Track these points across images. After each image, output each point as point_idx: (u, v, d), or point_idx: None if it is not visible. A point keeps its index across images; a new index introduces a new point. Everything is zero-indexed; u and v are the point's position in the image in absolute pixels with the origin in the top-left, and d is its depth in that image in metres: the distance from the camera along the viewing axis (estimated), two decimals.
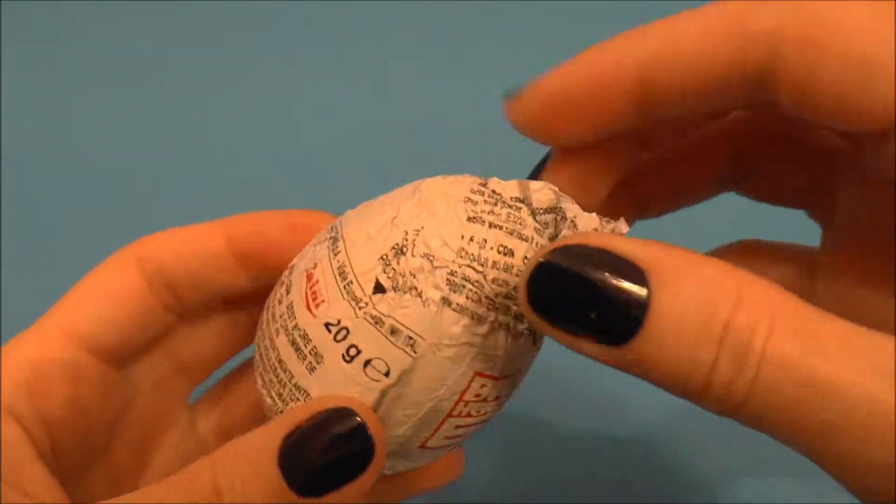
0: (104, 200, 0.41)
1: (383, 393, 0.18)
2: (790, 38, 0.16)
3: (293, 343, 0.19)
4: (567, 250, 0.16)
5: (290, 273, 0.20)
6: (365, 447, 0.17)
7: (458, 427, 0.19)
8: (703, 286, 0.15)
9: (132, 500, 0.17)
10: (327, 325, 0.18)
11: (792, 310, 0.15)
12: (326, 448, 0.17)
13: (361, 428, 0.17)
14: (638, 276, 0.15)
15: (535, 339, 0.19)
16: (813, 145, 0.21)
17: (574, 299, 0.16)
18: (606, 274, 0.15)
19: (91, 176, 0.41)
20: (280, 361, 0.19)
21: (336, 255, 0.19)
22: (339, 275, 0.18)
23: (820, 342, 0.14)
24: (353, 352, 0.18)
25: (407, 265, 0.18)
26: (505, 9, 0.48)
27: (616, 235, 0.16)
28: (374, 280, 0.18)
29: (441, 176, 0.19)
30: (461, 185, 0.19)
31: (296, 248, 0.21)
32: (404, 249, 0.18)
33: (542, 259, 0.16)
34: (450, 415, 0.19)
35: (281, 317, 0.19)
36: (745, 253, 0.23)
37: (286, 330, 0.19)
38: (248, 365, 0.26)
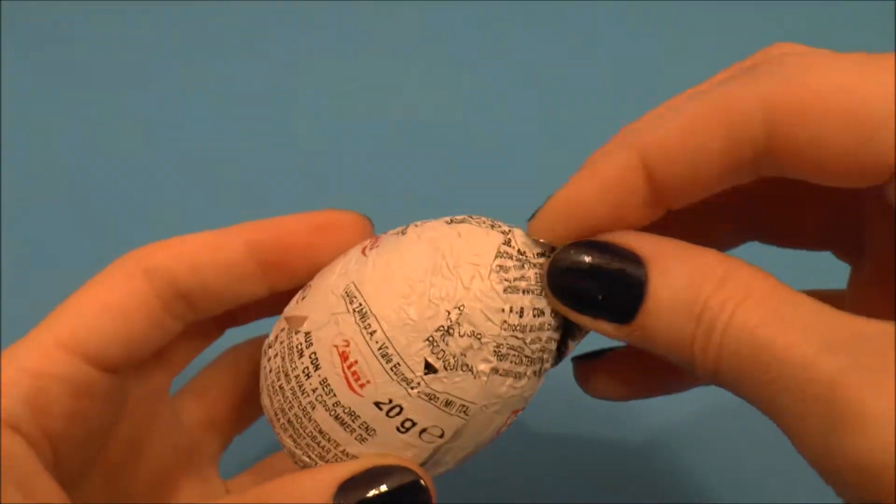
0: (104, 201, 0.40)
1: (437, 449, 0.19)
2: (781, 112, 0.17)
3: (337, 418, 0.19)
4: (577, 244, 0.19)
5: (308, 343, 0.20)
6: (420, 501, 0.19)
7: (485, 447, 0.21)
8: (693, 269, 0.17)
9: None
10: (377, 403, 0.19)
11: (767, 287, 0.17)
12: (383, 500, 0.18)
13: (416, 483, 0.19)
14: (637, 262, 0.18)
15: (555, 364, 0.21)
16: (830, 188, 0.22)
17: (584, 285, 0.18)
18: (609, 260, 0.18)
19: (91, 176, 0.41)
20: (321, 433, 0.20)
21: (372, 334, 0.19)
22: (383, 356, 0.19)
23: (781, 314, 0.16)
24: (408, 424, 0.19)
25: (456, 345, 0.19)
26: (506, 9, 0.47)
27: (621, 231, 0.19)
28: (423, 361, 0.19)
29: (453, 226, 0.20)
30: (485, 246, 0.19)
31: (323, 250, 0.21)
32: (451, 331, 0.19)
33: (558, 255, 0.19)
34: (486, 445, 0.21)
35: (314, 391, 0.19)
36: None
37: (325, 406, 0.19)
38: (228, 359, 0.26)
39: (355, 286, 0.19)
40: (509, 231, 0.20)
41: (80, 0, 0.48)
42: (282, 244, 0.21)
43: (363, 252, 0.20)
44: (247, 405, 0.26)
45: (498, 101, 0.43)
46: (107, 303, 0.20)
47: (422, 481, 0.19)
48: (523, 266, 0.19)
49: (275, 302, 0.22)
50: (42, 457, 0.19)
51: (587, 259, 0.18)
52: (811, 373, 0.15)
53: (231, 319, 0.25)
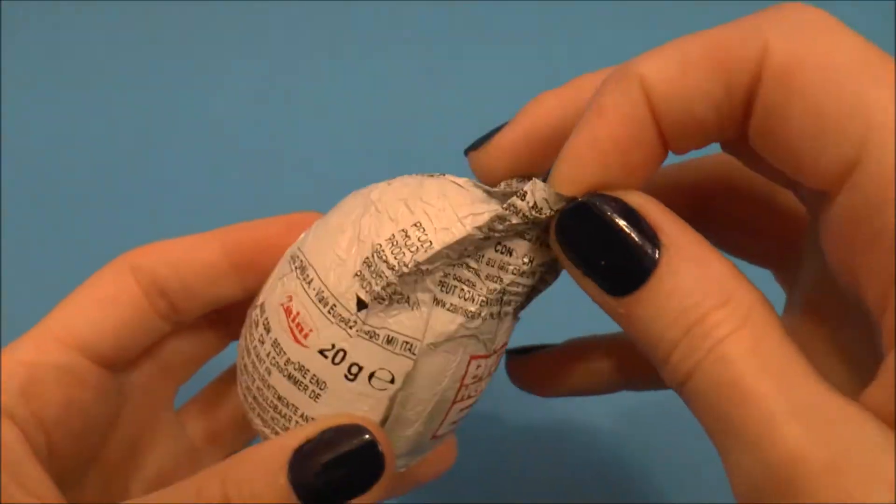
0: (105, 201, 0.41)
1: (392, 399, 0.18)
2: (772, 67, 0.16)
3: (290, 377, 0.19)
4: (605, 198, 0.17)
5: (263, 311, 0.20)
6: (375, 463, 0.18)
7: (461, 410, 0.20)
8: (703, 277, 0.16)
9: None
10: (322, 351, 0.18)
11: (764, 323, 0.16)
12: (336, 463, 0.17)
13: (372, 444, 0.18)
14: (655, 244, 0.16)
15: (517, 312, 0.20)
16: (780, 207, 0.21)
17: (593, 241, 0.17)
18: (629, 229, 0.16)
19: (91, 177, 0.41)
20: (279, 398, 0.19)
21: (309, 283, 0.19)
22: (319, 301, 0.18)
23: (767, 360, 0.15)
24: (354, 369, 0.18)
25: (389, 276, 0.18)
26: (507, 9, 0.47)
27: (655, 202, 0.17)
28: (354, 297, 0.18)
29: (385, 182, 0.20)
30: (440, 191, 0.19)
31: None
32: (380, 262, 0.18)
33: (582, 199, 0.17)
34: (454, 401, 0.19)
35: (268, 356, 0.19)
36: None
37: (278, 367, 0.19)
38: (233, 372, 0.26)
39: (298, 248, 0.20)
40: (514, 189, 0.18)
41: (80, 0, 0.48)
42: (253, 244, 0.22)
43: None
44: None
45: (499, 101, 0.43)
46: (98, 297, 0.21)
47: (377, 442, 0.18)
48: (489, 203, 0.18)
49: None
50: (35, 444, 0.20)
51: (611, 216, 0.17)
52: (768, 431, 0.14)
53: (235, 332, 0.25)
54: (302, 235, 0.21)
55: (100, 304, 0.21)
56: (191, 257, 0.22)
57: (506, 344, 0.20)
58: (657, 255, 0.16)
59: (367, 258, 0.18)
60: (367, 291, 0.18)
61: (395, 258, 0.18)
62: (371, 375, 0.18)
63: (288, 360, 0.19)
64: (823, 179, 0.16)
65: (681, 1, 0.47)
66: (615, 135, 0.17)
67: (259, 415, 0.20)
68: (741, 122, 0.17)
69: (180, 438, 0.25)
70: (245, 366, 0.20)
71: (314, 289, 0.18)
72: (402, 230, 0.18)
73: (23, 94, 0.44)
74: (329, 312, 0.18)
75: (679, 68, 0.16)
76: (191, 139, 0.43)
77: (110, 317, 0.21)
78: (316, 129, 0.43)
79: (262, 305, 0.20)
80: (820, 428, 0.14)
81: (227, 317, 0.24)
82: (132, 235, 0.39)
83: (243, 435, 0.26)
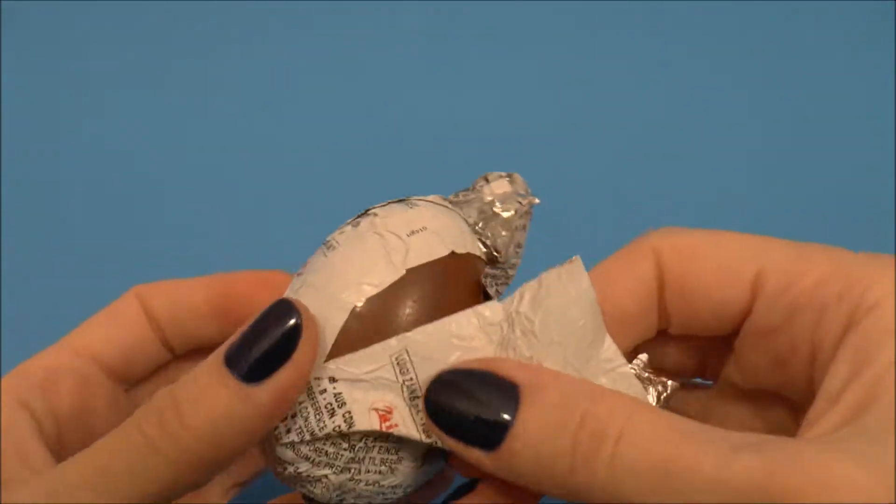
0: (105, 201, 0.41)
1: None
2: (666, 251, 0.21)
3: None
4: (456, 371, 0.19)
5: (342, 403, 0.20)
6: (293, 325, 0.19)
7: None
8: (565, 390, 0.18)
9: (103, 441, 0.19)
10: None
11: (647, 408, 0.18)
12: (261, 333, 0.19)
13: (288, 308, 0.19)
14: (511, 387, 0.18)
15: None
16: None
17: (459, 404, 0.19)
18: (487, 378, 0.19)
19: (91, 176, 0.41)
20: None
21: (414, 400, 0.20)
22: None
23: (673, 427, 0.17)
24: None
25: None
26: (508, 10, 0.47)
27: (498, 358, 0.20)
28: None
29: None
30: None
31: (264, 302, 0.22)
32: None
33: (439, 374, 0.19)
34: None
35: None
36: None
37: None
38: None
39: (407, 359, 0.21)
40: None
41: (80, 0, 0.48)
42: (229, 294, 0.24)
43: None
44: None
45: (500, 101, 0.43)
46: (110, 320, 0.25)
47: (293, 304, 0.19)
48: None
49: None
50: (48, 435, 0.22)
51: (466, 377, 0.19)
52: (726, 476, 0.16)
53: None
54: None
55: (112, 326, 0.24)
56: (182, 299, 0.25)
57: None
58: (516, 390, 0.18)
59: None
60: None
61: None
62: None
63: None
64: (725, 325, 0.21)
65: (681, 1, 0.47)
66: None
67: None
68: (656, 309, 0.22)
69: None
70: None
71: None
72: None
73: (23, 94, 0.44)
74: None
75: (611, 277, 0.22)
76: (190, 139, 0.43)
77: (120, 336, 0.24)
78: (317, 131, 0.43)
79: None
80: (758, 448, 0.16)
81: None
82: (133, 235, 0.40)
83: (253, 468, 0.27)
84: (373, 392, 0.20)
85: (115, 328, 0.24)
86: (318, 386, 0.20)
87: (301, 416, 0.20)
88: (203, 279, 0.25)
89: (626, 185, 0.40)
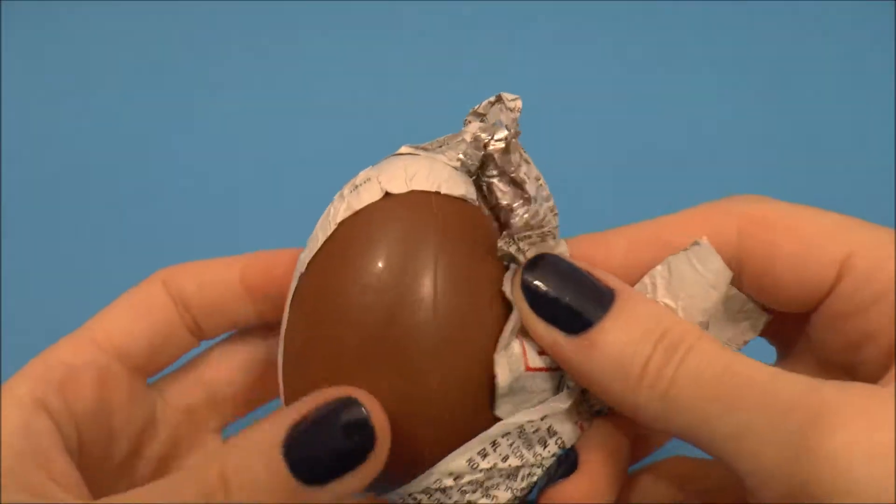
0: (105, 202, 0.41)
1: None
2: (747, 222, 0.21)
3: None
4: (557, 256, 0.21)
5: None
6: (367, 437, 0.18)
7: None
8: (653, 309, 0.20)
9: (141, 494, 0.18)
10: None
11: (707, 335, 0.19)
12: (330, 437, 0.18)
13: (364, 419, 0.18)
14: (608, 290, 0.20)
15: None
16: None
17: (555, 285, 0.20)
18: (586, 271, 0.20)
19: (91, 176, 0.41)
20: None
21: None
22: None
23: (734, 352, 0.18)
24: None
25: None
26: (509, 10, 0.48)
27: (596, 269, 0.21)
28: None
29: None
30: None
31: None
32: None
33: (540, 254, 0.21)
34: None
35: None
36: None
37: None
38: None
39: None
40: None
41: (80, 0, 0.48)
42: (267, 273, 0.23)
43: None
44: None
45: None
46: (132, 306, 0.23)
47: (368, 414, 0.18)
48: None
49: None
50: (66, 437, 0.21)
51: (569, 263, 0.20)
52: (779, 386, 0.17)
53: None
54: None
55: (135, 313, 0.23)
56: (214, 279, 0.23)
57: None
58: (612, 293, 0.19)
59: None
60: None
61: None
62: None
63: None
64: (807, 301, 0.21)
65: (681, 1, 0.47)
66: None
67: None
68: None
69: None
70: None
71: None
72: None
73: (23, 94, 0.44)
74: None
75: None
76: (191, 139, 0.43)
77: (144, 325, 0.23)
78: (320, 131, 0.43)
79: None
80: (805, 382, 0.17)
81: (272, 360, 0.25)
82: (135, 236, 0.40)
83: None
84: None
85: (140, 319, 0.23)
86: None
87: None
88: (238, 257, 0.24)
89: (627, 185, 0.40)
